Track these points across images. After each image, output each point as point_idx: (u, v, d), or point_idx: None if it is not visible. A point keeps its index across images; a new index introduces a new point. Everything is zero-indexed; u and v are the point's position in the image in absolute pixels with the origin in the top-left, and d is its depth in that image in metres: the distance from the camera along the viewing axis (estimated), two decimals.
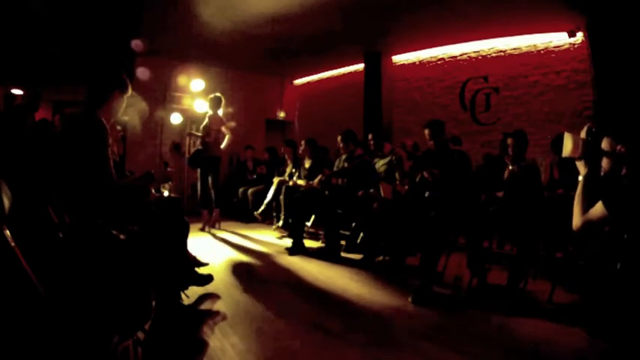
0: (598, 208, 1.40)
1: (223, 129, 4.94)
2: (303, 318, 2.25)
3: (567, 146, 1.54)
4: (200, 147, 4.96)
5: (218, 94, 4.99)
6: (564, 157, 1.56)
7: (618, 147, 1.49)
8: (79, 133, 1.78)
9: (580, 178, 1.53)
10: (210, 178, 4.92)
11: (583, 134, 1.54)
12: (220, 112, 4.96)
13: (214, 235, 4.72)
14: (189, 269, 2.43)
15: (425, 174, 3.17)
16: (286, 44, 6.26)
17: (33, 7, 4.17)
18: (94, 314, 1.23)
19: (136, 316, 1.43)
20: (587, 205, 1.45)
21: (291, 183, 4.71)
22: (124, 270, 1.44)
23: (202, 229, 4.91)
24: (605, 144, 1.54)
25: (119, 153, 3.38)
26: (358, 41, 6.38)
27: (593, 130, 1.54)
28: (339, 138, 4.20)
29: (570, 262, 2.68)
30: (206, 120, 4.94)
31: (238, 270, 3.23)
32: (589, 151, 1.50)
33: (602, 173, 1.55)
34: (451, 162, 3.09)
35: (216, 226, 5.08)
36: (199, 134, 4.91)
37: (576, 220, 1.48)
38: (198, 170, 5.03)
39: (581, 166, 1.54)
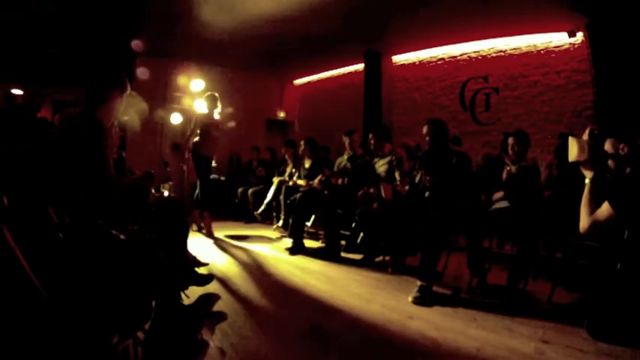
0: (604, 209, 1.40)
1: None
2: (303, 318, 2.25)
3: (573, 151, 1.53)
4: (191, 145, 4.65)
5: (213, 93, 4.75)
6: (571, 162, 1.55)
7: (621, 146, 1.49)
8: (79, 133, 1.78)
9: (587, 181, 1.52)
10: (197, 179, 4.65)
11: (585, 137, 1.54)
12: (217, 110, 4.86)
13: (213, 236, 4.69)
14: (189, 269, 2.43)
15: (427, 177, 3.15)
16: (286, 44, 6.27)
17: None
18: (94, 314, 1.23)
19: (136, 316, 1.43)
20: (594, 208, 1.44)
21: (291, 183, 4.71)
22: (123, 270, 1.44)
23: (198, 230, 4.80)
24: (607, 145, 1.54)
25: (116, 155, 3.34)
26: (358, 41, 6.39)
27: (595, 132, 1.53)
28: (347, 140, 4.17)
29: (570, 262, 2.68)
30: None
31: (238, 270, 3.23)
32: (594, 154, 1.49)
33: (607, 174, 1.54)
34: (449, 164, 3.07)
35: (206, 229, 4.62)
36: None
37: (583, 222, 1.47)
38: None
39: (586, 170, 1.53)
